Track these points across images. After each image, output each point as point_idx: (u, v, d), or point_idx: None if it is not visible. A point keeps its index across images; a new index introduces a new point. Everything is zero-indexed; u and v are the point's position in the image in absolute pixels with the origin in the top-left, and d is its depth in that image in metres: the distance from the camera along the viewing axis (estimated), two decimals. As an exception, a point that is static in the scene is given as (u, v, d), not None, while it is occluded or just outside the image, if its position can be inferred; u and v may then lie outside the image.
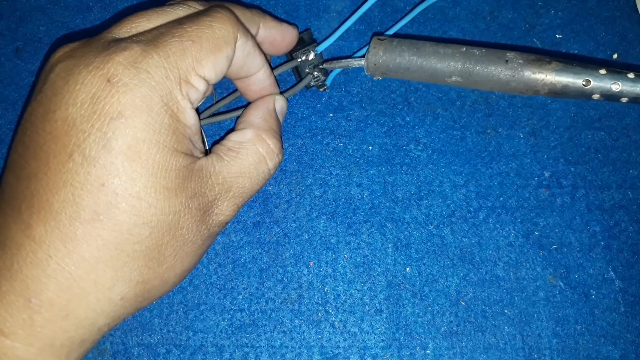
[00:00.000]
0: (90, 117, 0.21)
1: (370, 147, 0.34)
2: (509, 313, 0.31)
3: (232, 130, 0.28)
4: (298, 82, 0.33)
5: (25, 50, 0.36)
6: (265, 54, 0.29)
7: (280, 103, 0.30)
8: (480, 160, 0.34)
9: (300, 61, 0.33)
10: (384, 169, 0.33)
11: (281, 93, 0.32)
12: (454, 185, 0.33)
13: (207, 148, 0.31)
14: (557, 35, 0.36)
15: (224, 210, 0.26)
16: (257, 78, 0.29)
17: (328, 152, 0.34)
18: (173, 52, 0.23)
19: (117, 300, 0.23)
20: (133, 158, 0.21)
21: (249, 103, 0.31)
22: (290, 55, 0.33)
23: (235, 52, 0.25)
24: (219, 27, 0.24)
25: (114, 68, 0.22)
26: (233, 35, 0.25)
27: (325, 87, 0.34)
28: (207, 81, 0.24)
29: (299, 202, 0.33)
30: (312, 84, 0.33)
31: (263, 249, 0.32)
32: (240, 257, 0.32)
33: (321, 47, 0.33)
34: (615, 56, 0.35)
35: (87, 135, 0.21)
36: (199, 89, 0.24)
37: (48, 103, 0.22)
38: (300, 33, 0.33)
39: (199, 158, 0.24)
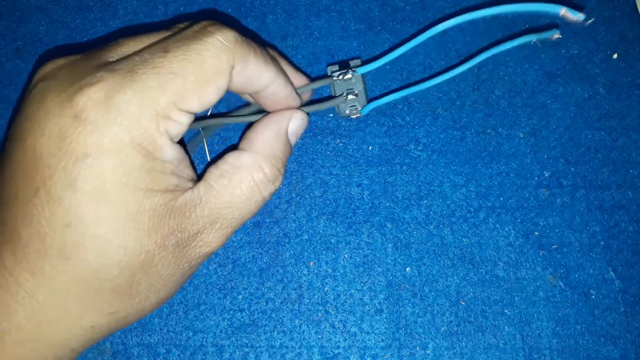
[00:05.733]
0: (56, 152, 0.20)
1: (370, 147, 0.34)
2: (509, 313, 0.31)
3: (235, 145, 0.28)
4: (327, 99, 0.30)
5: (25, 50, 0.36)
6: (277, 62, 0.27)
7: (295, 123, 0.28)
8: (480, 160, 0.34)
9: (335, 79, 0.30)
10: (384, 169, 0.33)
11: (306, 105, 0.29)
12: (454, 185, 0.33)
13: (209, 159, 0.31)
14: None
15: (209, 242, 0.24)
16: (268, 93, 0.26)
17: (328, 152, 0.34)
18: (150, 86, 0.21)
19: (88, 327, 0.23)
20: (100, 200, 0.20)
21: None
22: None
23: (231, 80, 0.23)
24: (209, 56, 0.22)
25: (83, 103, 0.20)
26: (227, 64, 0.23)
27: (359, 115, 0.31)
28: (191, 113, 0.22)
29: (299, 202, 0.33)
30: (347, 112, 0.31)
31: (263, 249, 0.32)
32: (240, 257, 0.32)
33: (363, 70, 0.30)
34: (615, 56, 0.35)
35: (52, 172, 0.20)
36: (181, 122, 0.22)
37: (22, 126, 0.22)
38: (350, 60, 0.31)
39: (183, 191, 0.23)
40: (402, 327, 0.31)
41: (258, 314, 0.31)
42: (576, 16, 0.28)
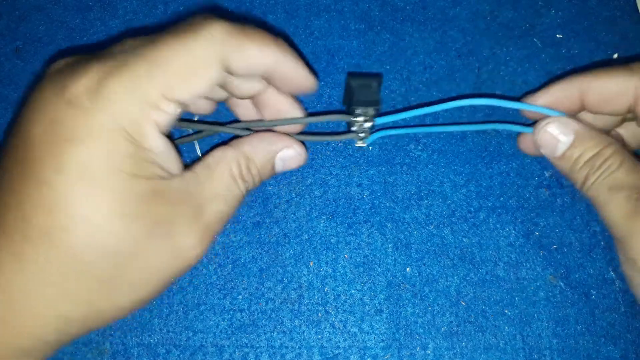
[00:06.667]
0: (47, 139, 0.21)
1: (370, 147, 0.34)
2: (509, 313, 0.31)
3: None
4: (341, 133, 0.30)
5: (24, 50, 0.36)
6: (282, 44, 0.26)
7: (289, 152, 0.28)
8: (481, 160, 0.34)
9: (353, 120, 0.29)
10: (384, 169, 0.33)
11: (318, 135, 0.29)
12: (454, 185, 0.33)
13: (200, 155, 0.31)
14: (557, 35, 0.36)
15: (201, 243, 0.24)
16: (280, 74, 0.26)
17: (328, 152, 0.34)
18: (139, 75, 0.22)
19: (63, 317, 0.22)
20: (87, 184, 0.21)
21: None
22: (348, 106, 0.30)
23: (222, 71, 0.24)
24: (197, 47, 0.22)
25: (75, 89, 0.21)
26: (216, 55, 0.23)
27: (364, 144, 0.31)
28: (182, 103, 0.23)
29: (299, 202, 0.33)
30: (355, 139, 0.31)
31: (263, 249, 0.32)
32: (240, 257, 0.32)
33: (381, 120, 0.29)
34: (615, 56, 0.35)
35: (41, 155, 0.21)
36: (169, 112, 0.22)
37: (22, 117, 0.22)
38: (371, 77, 0.29)
39: (170, 180, 0.23)
40: (402, 327, 0.31)
41: (258, 314, 0.31)
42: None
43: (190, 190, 0.24)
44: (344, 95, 0.31)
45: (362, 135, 0.30)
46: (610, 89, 0.27)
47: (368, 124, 0.29)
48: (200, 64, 0.23)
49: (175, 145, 0.25)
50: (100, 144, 0.21)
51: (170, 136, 0.24)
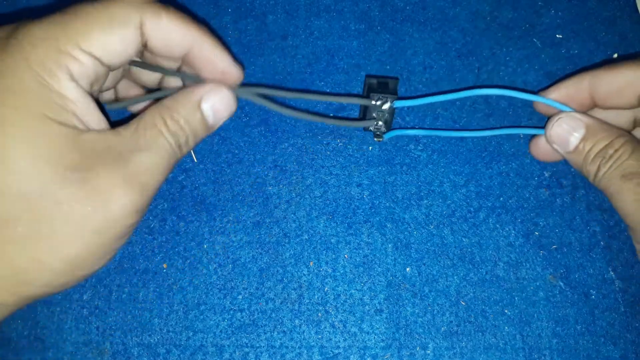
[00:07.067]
0: None
1: (370, 147, 0.34)
2: (509, 313, 0.31)
3: None
4: (359, 119, 0.30)
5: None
6: (201, 27, 0.26)
7: (214, 98, 0.27)
8: (481, 160, 0.34)
9: (373, 104, 0.30)
10: (384, 169, 0.33)
11: (338, 119, 0.29)
12: (454, 185, 0.33)
13: (195, 160, 0.29)
14: (557, 35, 0.36)
15: (126, 191, 0.23)
16: (197, 54, 0.26)
17: (328, 152, 0.34)
18: (54, 24, 0.22)
19: None
20: None
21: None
22: (367, 94, 0.30)
23: (146, 37, 0.24)
24: (115, 7, 0.23)
25: None
26: (133, 16, 0.23)
27: (381, 139, 0.31)
28: (97, 58, 0.23)
29: (299, 202, 0.33)
30: (371, 129, 0.31)
31: (263, 249, 0.32)
32: (240, 257, 0.32)
33: (399, 104, 0.30)
34: (615, 56, 0.35)
35: None
36: (84, 62, 0.23)
37: None
38: (388, 79, 0.31)
39: (86, 131, 0.23)
40: (402, 327, 0.31)
41: (258, 314, 0.31)
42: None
43: (110, 144, 0.23)
44: (363, 94, 0.32)
45: (379, 123, 0.30)
46: (619, 81, 0.28)
47: (386, 106, 0.29)
48: (116, 22, 0.23)
49: (103, 109, 0.24)
50: (11, 83, 0.21)
51: (100, 104, 0.24)
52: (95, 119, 0.23)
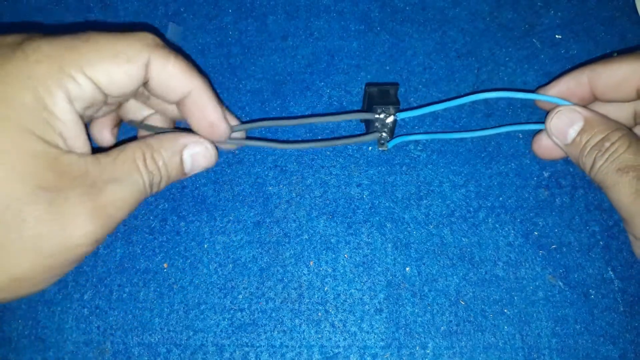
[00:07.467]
0: None
1: (370, 148, 0.34)
2: (508, 313, 0.31)
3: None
4: (364, 135, 0.31)
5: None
6: (204, 78, 0.27)
7: (196, 148, 0.27)
8: (480, 160, 0.34)
9: (376, 117, 0.30)
10: (384, 169, 0.33)
11: (344, 138, 0.29)
12: (454, 185, 0.33)
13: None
14: (557, 36, 0.36)
15: (91, 220, 0.23)
16: (191, 102, 0.27)
17: (328, 152, 0.34)
18: (63, 45, 0.22)
19: None
20: None
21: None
22: (369, 105, 0.31)
23: (150, 77, 0.25)
24: (126, 42, 0.24)
25: (3, 41, 0.22)
26: (141, 55, 0.24)
27: (385, 148, 0.31)
28: (97, 86, 0.23)
29: (299, 202, 0.33)
30: (376, 139, 0.31)
31: (263, 248, 0.32)
32: (241, 257, 0.32)
33: (402, 115, 0.30)
34: (615, 55, 0.35)
35: None
36: (83, 87, 0.23)
37: None
38: (388, 85, 0.31)
39: (68, 153, 0.23)
40: (402, 327, 0.31)
41: (258, 313, 0.31)
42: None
43: (88, 169, 0.23)
44: (363, 104, 0.32)
45: (384, 134, 0.30)
46: (618, 74, 0.28)
47: (389, 119, 0.30)
48: (123, 55, 0.23)
49: (89, 135, 0.25)
50: (7, 91, 0.21)
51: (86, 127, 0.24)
52: (80, 143, 0.24)
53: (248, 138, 0.30)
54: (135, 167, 0.25)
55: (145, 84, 0.25)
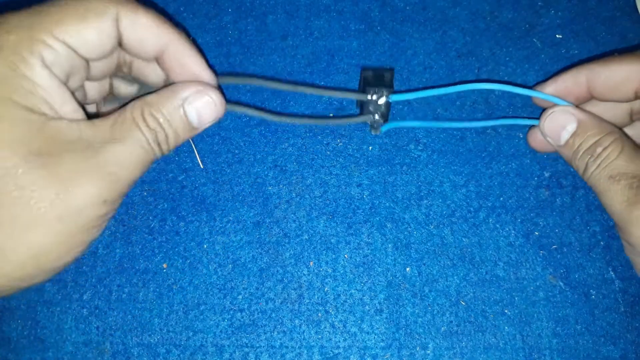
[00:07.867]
0: None
1: (370, 147, 0.34)
2: (509, 313, 0.31)
3: None
4: (356, 116, 0.30)
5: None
6: (178, 31, 0.26)
7: (199, 100, 0.26)
8: (480, 160, 0.34)
9: (369, 98, 0.29)
10: (384, 169, 0.33)
11: (338, 117, 0.28)
12: (454, 185, 0.33)
13: (201, 167, 0.29)
14: (557, 35, 0.36)
15: (92, 179, 0.22)
16: (171, 56, 0.26)
17: (328, 152, 0.34)
18: (29, 13, 0.23)
19: None
20: None
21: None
22: (363, 87, 0.30)
23: (121, 33, 0.24)
24: (92, 2, 0.23)
25: None
26: (110, 11, 0.23)
27: (378, 132, 0.31)
28: (71, 48, 0.23)
29: (299, 202, 0.33)
30: (368, 122, 0.30)
31: (263, 249, 0.32)
32: (240, 257, 0.32)
33: (396, 98, 0.29)
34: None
35: None
36: (57, 50, 0.22)
37: None
38: (384, 70, 0.30)
39: (57, 119, 0.22)
40: (402, 327, 0.31)
41: (258, 314, 0.31)
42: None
43: (82, 134, 0.23)
44: (359, 87, 0.32)
45: (377, 117, 0.30)
46: (616, 75, 0.28)
47: (382, 101, 0.29)
48: (92, 12, 0.23)
49: (75, 95, 0.24)
50: None
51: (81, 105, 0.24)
52: (69, 108, 0.23)
53: (238, 104, 0.28)
54: (134, 125, 0.24)
55: (120, 44, 0.25)
